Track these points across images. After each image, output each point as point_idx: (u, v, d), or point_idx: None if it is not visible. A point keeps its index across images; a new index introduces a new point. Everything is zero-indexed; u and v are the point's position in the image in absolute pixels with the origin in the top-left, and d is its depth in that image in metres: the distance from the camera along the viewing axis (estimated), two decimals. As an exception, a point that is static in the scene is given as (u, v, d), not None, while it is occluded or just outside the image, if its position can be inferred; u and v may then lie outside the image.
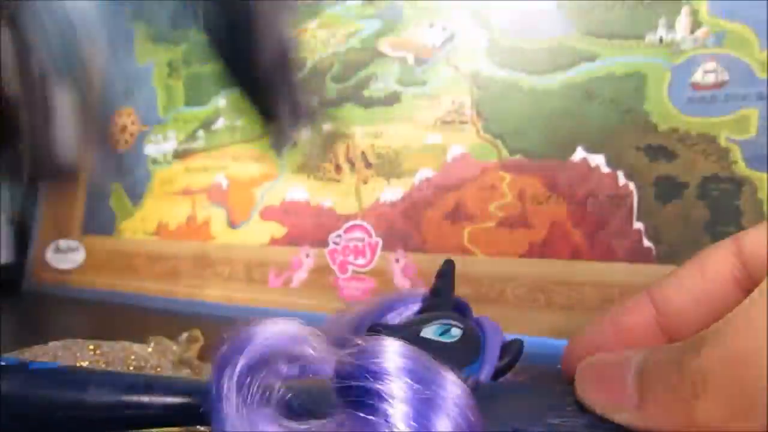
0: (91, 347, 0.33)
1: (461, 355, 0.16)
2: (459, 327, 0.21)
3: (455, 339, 0.20)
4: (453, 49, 0.54)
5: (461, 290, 0.55)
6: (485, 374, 0.19)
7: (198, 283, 0.66)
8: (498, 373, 0.20)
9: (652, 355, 0.15)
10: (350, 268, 0.57)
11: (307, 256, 0.60)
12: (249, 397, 0.13)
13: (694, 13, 0.45)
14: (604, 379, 0.16)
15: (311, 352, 0.14)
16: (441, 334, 0.20)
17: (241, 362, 0.14)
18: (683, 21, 0.46)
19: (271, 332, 0.14)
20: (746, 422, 0.12)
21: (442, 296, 0.24)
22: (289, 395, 0.14)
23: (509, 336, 0.22)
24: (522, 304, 0.50)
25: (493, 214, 0.52)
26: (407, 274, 0.55)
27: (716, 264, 0.18)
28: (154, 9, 0.67)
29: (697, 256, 0.19)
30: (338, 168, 0.60)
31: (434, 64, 0.55)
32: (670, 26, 0.46)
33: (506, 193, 0.52)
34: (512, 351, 0.21)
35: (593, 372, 0.16)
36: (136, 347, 0.36)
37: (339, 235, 0.58)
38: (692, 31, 0.45)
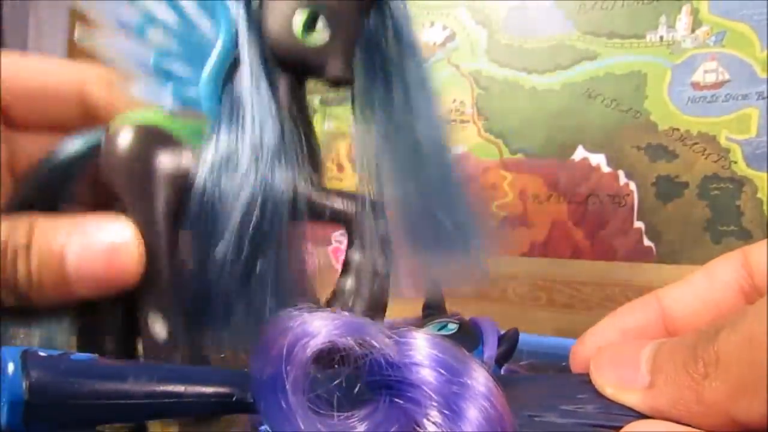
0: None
1: (462, 345, 0.17)
2: (454, 322, 0.22)
3: (453, 331, 0.21)
4: (454, 48, 0.54)
5: (463, 289, 0.55)
6: (488, 358, 0.20)
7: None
8: (500, 360, 0.21)
9: (667, 341, 0.16)
10: (352, 266, 0.58)
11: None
12: (290, 387, 0.14)
13: (695, 12, 0.45)
14: (619, 361, 0.17)
15: (350, 343, 0.15)
16: (439, 330, 0.21)
17: (282, 353, 0.14)
18: (684, 20, 0.46)
19: (310, 324, 0.15)
20: (751, 400, 0.13)
21: (435, 306, 0.25)
22: (325, 385, 0.15)
23: (509, 333, 0.23)
24: (523, 302, 0.51)
25: (494, 213, 0.52)
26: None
27: (724, 274, 0.19)
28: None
29: (707, 266, 0.19)
30: (340, 167, 0.60)
31: (435, 63, 0.55)
32: (671, 25, 0.46)
33: (507, 193, 0.52)
34: (510, 338, 0.22)
35: (609, 354, 0.17)
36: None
37: (342, 234, 0.59)
38: (693, 31, 0.45)
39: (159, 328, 0.20)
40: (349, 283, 0.22)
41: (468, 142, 0.53)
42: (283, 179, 0.19)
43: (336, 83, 0.21)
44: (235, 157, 0.19)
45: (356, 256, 0.22)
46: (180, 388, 0.16)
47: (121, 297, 0.20)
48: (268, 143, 0.19)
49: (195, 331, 0.20)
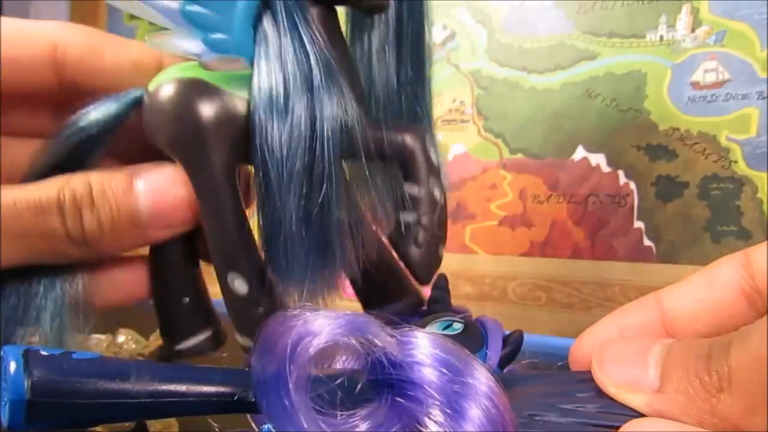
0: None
1: (466, 345, 0.17)
2: (460, 321, 0.22)
3: (458, 331, 0.21)
4: (453, 47, 0.54)
5: (463, 289, 0.55)
6: (492, 361, 0.20)
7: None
8: (503, 362, 0.21)
9: (678, 345, 0.16)
10: (352, 266, 0.58)
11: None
12: (293, 386, 0.14)
13: (695, 12, 0.45)
14: (625, 359, 0.16)
15: (353, 343, 0.15)
16: (444, 329, 0.21)
17: (285, 352, 0.14)
18: (684, 19, 0.46)
19: (312, 323, 0.15)
20: (762, 419, 0.13)
21: (441, 303, 0.25)
22: (328, 384, 0.15)
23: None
24: (523, 302, 0.51)
25: (494, 213, 0.52)
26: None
27: (725, 275, 0.19)
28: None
29: (708, 267, 0.19)
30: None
31: (435, 62, 0.55)
32: (671, 25, 0.46)
33: (507, 192, 0.52)
34: (514, 341, 0.22)
35: (613, 351, 0.17)
36: (94, 339, 0.36)
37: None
38: (693, 30, 0.45)
39: (238, 284, 0.20)
40: (412, 216, 0.22)
41: (468, 141, 0.53)
42: (334, 114, 0.19)
43: (372, 11, 0.21)
44: (280, 96, 0.18)
45: (416, 189, 0.22)
46: (182, 388, 0.16)
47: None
48: (314, 76, 0.19)
49: (275, 281, 0.20)
